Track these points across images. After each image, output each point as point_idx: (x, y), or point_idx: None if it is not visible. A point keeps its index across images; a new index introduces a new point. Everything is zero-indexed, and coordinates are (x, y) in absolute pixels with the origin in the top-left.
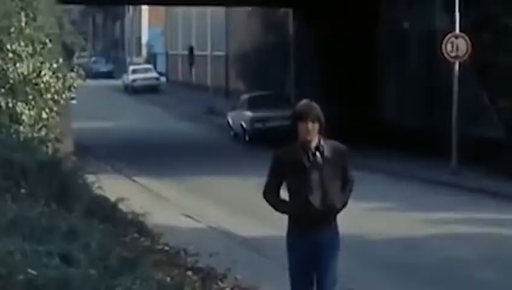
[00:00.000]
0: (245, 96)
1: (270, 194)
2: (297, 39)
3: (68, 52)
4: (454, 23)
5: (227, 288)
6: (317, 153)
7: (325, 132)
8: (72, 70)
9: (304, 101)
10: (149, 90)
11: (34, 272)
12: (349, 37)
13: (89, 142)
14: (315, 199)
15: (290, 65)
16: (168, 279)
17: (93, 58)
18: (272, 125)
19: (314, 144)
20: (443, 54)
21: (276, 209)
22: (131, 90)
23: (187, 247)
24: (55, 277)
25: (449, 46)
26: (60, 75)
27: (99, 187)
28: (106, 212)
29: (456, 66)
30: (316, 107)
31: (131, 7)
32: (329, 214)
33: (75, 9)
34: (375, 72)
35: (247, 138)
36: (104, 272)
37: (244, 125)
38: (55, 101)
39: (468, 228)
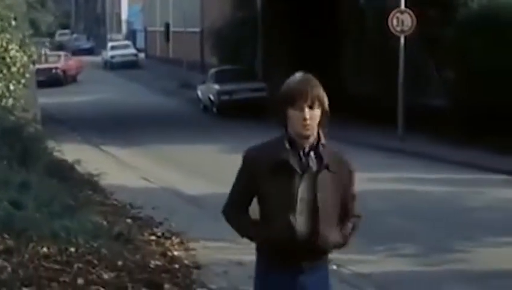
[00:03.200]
0: (213, 71)
1: (235, 213)
2: (264, 15)
3: (35, 29)
4: None
5: (159, 232)
6: (312, 154)
7: None
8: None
9: (298, 75)
10: (127, 66)
11: None
12: (312, 13)
13: (64, 114)
14: (301, 224)
15: (258, 40)
16: (105, 222)
17: (74, 36)
18: (237, 98)
19: (310, 141)
20: (389, 29)
21: (242, 234)
22: (110, 66)
23: (134, 202)
24: (1, 217)
25: (395, 21)
26: (26, 50)
27: (59, 151)
28: (64, 172)
29: (402, 40)
30: (316, 83)
31: None
32: (319, 248)
33: None
34: (337, 45)
35: (214, 110)
36: (48, 216)
37: (212, 98)
38: (22, 74)
39: (398, 185)
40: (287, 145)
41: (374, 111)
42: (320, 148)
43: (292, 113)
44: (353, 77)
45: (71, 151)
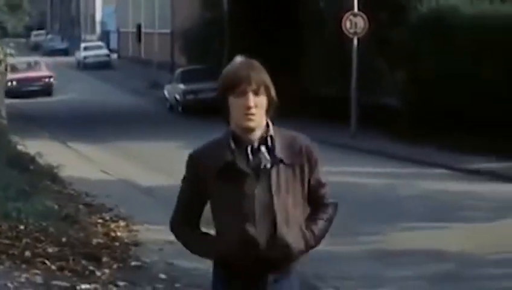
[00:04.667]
0: (179, 71)
1: (183, 227)
2: (230, 16)
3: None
4: (356, 2)
5: (108, 216)
6: (263, 150)
7: None
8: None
9: (239, 59)
10: (100, 66)
11: None
12: (276, 15)
13: (35, 113)
14: (260, 233)
15: (225, 40)
16: (56, 206)
17: (49, 36)
18: (202, 97)
19: (258, 134)
20: (343, 31)
21: (193, 250)
22: (83, 66)
23: (90, 191)
24: None
25: (348, 24)
26: None
27: (23, 145)
28: (25, 164)
29: (355, 42)
30: (261, 68)
31: None
32: (285, 259)
33: None
34: (298, 46)
35: (180, 109)
36: (4, 199)
37: (178, 97)
38: None
39: (341, 178)
40: (232, 144)
41: (330, 110)
42: (270, 141)
43: (234, 101)
44: (313, 77)
45: (37, 147)
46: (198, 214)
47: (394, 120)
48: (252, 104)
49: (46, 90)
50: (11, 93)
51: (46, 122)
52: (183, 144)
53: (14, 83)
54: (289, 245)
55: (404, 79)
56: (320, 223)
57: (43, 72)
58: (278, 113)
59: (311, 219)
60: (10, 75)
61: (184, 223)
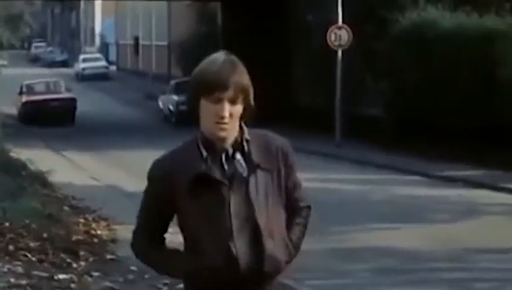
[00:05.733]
0: (173, 82)
1: (146, 246)
2: (224, 30)
3: None
4: (340, 15)
5: (91, 217)
6: (238, 157)
7: None
8: None
9: (220, 56)
10: (98, 77)
11: None
12: (266, 27)
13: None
14: (242, 248)
15: None
16: (41, 207)
17: (49, 48)
18: None
19: (232, 139)
20: (328, 44)
21: (161, 271)
22: (82, 78)
23: (77, 195)
24: None
25: (333, 36)
26: None
27: (15, 152)
28: (17, 169)
29: (339, 54)
30: (242, 69)
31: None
32: (272, 274)
33: (38, 2)
34: (288, 59)
35: (173, 119)
36: None
37: (171, 108)
38: None
39: (321, 184)
40: (203, 151)
41: (316, 120)
42: (246, 146)
43: (206, 105)
44: (301, 89)
45: (32, 155)
46: (164, 230)
47: (378, 130)
48: (226, 114)
49: (68, 116)
50: (27, 118)
51: (43, 131)
52: None
53: (30, 106)
54: (279, 261)
55: (388, 90)
56: (298, 230)
57: (65, 94)
58: (264, 123)
59: (288, 226)
60: (25, 97)
61: (149, 242)
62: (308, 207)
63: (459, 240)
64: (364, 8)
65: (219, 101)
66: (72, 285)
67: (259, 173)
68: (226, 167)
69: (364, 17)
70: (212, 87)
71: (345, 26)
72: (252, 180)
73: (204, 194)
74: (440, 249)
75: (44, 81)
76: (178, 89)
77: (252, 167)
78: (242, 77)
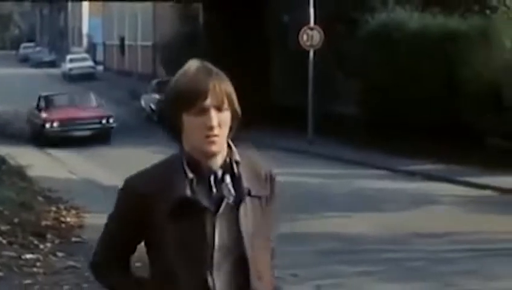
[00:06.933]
0: (154, 81)
1: (109, 269)
2: (205, 30)
3: None
4: (312, 16)
5: (62, 206)
6: (227, 181)
7: None
8: None
9: (195, 64)
10: (85, 77)
11: None
12: (244, 28)
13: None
14: (222, 284)
15: (199, 53)
16: (15, 196)
17: (37, 48)
18: None
19: (220, 160)
20: (300, 44)
21: None
22: (69, 78)
23: (54, 187)
24: None
25: (305, 37)
26: None
27: None
28: None
29: (311, 54)
30: (219, 73)
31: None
32: None
33: (27, 3)
34: (265, 58)
35: (155, 118)
36: None
37: (153, 106)
38: None
39: (289, 178)
40: (189, 173)
41: (291, 119)
42: (235, 168)
43: (190, 120)
44: (277, 88)
45: (17, 152)
46: (131, 252)
47: (350, 127)
48: (215, 123)
49: (102, 136)
50: (50, 140)
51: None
52: (151, 150)
53: (55, 125)
54: None
55: (359, 88)
56: (272, 262)
57: (97, 110)
58: (241, 122)
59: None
60: (47, 114)
61: (112, 263)
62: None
63: (403, 225)
64: (335, 9)
65: (204, 111)
66: (38, 264)
67: (249, 200)
68: (214, 191)
69: (335, 18)
70: (192, 98)
71: (317, 27)
72: (242, 208)
73: (185, 220)
74: (384, 233)
75: (69, 94)
76: (159, 88)
77: (242, 192)
78: (221, 80)
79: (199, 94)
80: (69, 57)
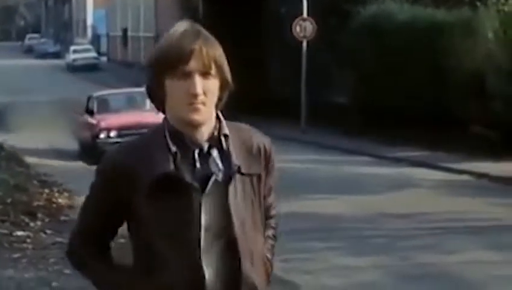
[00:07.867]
0: None
1: (87, 254)
2: (205, 21)
3: None
4: (306, 8)
5: (56, 189)
6: (214, 155)
7: None
8: None
9: (182, 25)
10: (88, 68)
11: None
12: (243, 19)
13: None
14: (211, 266)
15: None
16: (10, 178)
17: (42, 40)
18: None
19: (207, 133)
20: (293, 35)
21: (103, 287)
22: (72, 68)
23: (50, 172)
24: None
25: (298, 28)
26: None
27: None
28: None
29: (304, 45)
30: (209, 37)
31: None
32: None
33: None
34: (262, 49)
35: None
36: None
37: None
38: None
39: (279, 164)
40: (172, 146)
41: (285, 108)
42: (224, 142)
43: (172, 85)
44: (273, 78)
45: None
46: (111, 238)
47: (342, 117)
48: (199, 90)
49: None
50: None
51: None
52: None
53: (113, 134)
54: (253, 282)
55: (351, 79)
56: (271, 244)
57: (154, 114)
58: (237, 113)
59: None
60: (101, 120)
61: (92, 251)
62: (277, 217)
63: (379, 207)
64: (329, 1)
65: (187, 75)
66: (28, 240)
67: (239, 177)
68: (198, 166)
69: (328, 10)
70: (174, 60)
71: (310, 18)
72: (231, 186)
73: (169, 198)
74: (358, 213)
75: (125, 93)
76: None
77: (232, 169)
78: (209, 44)
79: (181, 55)
80: (72, 48)
